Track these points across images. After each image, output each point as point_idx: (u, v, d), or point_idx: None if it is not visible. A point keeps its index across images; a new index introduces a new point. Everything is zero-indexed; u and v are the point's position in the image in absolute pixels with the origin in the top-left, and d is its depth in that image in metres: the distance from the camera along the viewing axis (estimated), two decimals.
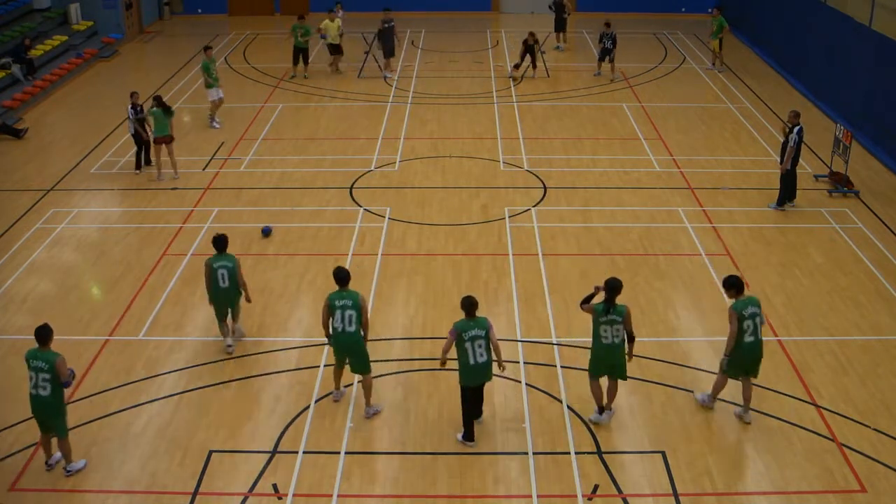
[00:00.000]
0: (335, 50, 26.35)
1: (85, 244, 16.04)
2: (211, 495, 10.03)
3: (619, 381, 11.00)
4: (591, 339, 12.97)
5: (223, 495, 10.03)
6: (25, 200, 17.78)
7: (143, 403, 11.59)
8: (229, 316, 12.60)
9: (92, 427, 11.10)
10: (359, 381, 11.54)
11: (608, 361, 10.75)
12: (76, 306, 13.96)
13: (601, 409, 11.02)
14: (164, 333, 13.17)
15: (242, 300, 12.61)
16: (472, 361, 10.40)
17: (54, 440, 10.36)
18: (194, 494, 10.03)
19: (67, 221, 16.88)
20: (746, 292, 10.96)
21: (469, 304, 10.44)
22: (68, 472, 10.33)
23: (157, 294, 14.22)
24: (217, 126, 21.93)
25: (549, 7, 29.84)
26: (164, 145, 18.43)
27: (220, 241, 12.39)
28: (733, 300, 10.80)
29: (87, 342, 12.95)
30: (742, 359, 10.78)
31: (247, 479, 10.26)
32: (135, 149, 19.15)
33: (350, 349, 11.01)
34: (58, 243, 16.04)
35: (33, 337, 10.12)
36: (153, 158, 18.80)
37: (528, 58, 25.63)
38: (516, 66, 25.88)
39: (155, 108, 18.32)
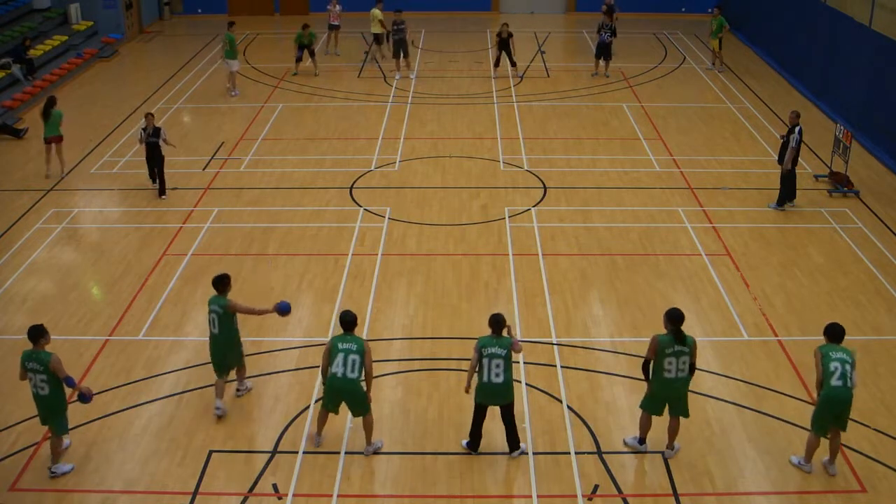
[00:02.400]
0: (377, 40, 27.07)
1: (85, 244, 16.04)
2: (211, 495, 10.02)
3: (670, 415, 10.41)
4: (591, 340, 12.99)
5: (223, 495, 10.03)
6: (25, 200, 17.78)
7: (143, 403, 11.59)
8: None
9: (92, 427, 11.10)
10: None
11: (668, 396, 10.20)
12: (76, 306, 13.96)
13: (643, 440, 10.61)
14: (163, 333, 13.17)
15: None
16: (485, 379, 10.18)
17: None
18: (194, 494, 10.03)
19: (67, 221, 16.88)
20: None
21: (495, 323, 10.21)
22: (52, 473, 10.25)
23: (157, 294, 14.22)
24: (236, 94, 24.18)
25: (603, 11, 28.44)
26: (53, 144, 18.58)
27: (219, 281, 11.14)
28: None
29: (87, 342, 12.95)
30: (829, 406, 9.86)
31: (247, 479, 10.26)
32: (148, 170, 17.95)
33: (349, 395, 10.32)
34: (58, 243, 16.04)
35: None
36: (46, 159, 18.76)
37: (505, 55, 25.57)
38: (496, 65, 25.92)
39: (55, 109, 18.31)
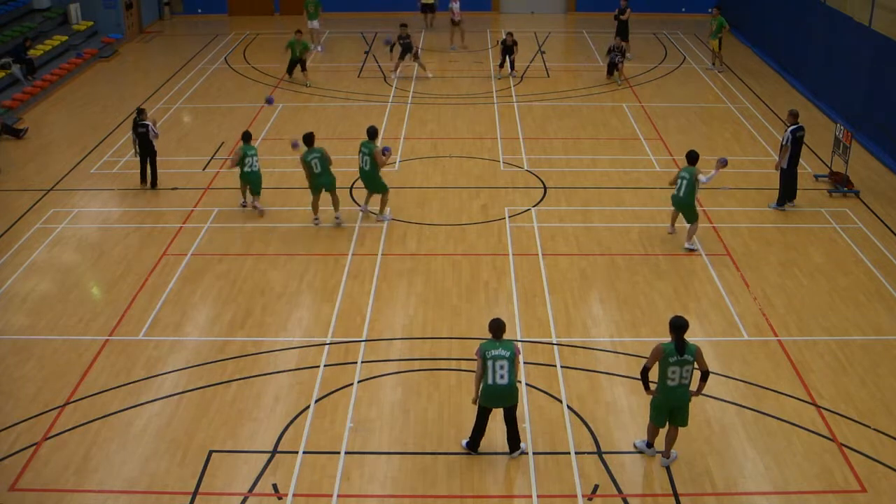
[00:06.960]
0: (426, 9, 31.60)
1: (85, 244, 16.04)
2: (211, 495, 10.03)
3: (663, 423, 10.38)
4: (591, 340, 12.98)
5: (223, 495, 10.03)
6: (25, 200, 17.78)
7: (143, 403, 11.59)
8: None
9: (92, 427, 11.10)
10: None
11: (670, 405, 10.13)
12: (76, 306, 13.95)
13: (651, 444, 10.53)
14: (163, 333, 13.16)
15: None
16: (490, 381, 10.12)
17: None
18: (194, 494, 10.03)
19: (67, 221, 16.88)
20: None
21: (496, 328, 10.20)
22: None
23: (157, 294, 14.22)
24: (321, 50, 28.49)
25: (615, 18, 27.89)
26: None
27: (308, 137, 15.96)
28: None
29: (87, 342, 12.95)
30: (674, 202, 15.32)
31: (247, 479, 10.26)
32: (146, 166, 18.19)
33: (368, 182, 16.16)
34: (58, 243, 16.03)
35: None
36: None
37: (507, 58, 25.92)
38: (501, 66, 26.10)
39: None
